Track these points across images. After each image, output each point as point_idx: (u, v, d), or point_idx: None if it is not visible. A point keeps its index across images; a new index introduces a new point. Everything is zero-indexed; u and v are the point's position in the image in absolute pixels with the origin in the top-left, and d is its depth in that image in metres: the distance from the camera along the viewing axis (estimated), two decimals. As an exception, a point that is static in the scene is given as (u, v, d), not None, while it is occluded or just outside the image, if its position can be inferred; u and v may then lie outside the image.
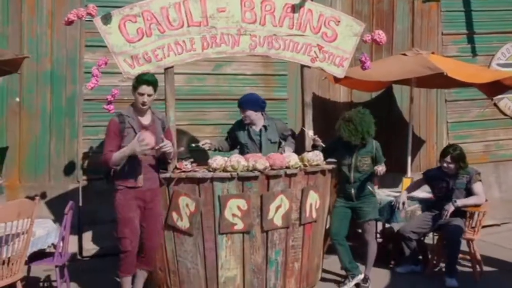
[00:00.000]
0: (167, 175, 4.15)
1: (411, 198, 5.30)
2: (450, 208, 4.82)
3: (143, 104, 3.94)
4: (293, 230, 4.39)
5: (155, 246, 4.11)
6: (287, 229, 4.35)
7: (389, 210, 5.21)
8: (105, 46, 4.30)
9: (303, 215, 4.39)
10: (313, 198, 4.44)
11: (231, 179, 4.16)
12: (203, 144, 4.90)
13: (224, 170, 4.20)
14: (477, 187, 4.91)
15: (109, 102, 4.35)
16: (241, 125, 4.97)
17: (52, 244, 4.30)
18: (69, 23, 4.19)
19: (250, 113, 4.86)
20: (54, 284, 4.40)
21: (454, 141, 6.89)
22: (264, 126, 4.91)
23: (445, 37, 7.22)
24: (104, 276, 4.96)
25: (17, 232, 3.66)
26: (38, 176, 5.87)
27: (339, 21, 4.84)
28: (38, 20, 5.84)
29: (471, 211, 4.97)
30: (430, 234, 5.38)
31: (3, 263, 3.62)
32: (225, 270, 4.25)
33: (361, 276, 4.74)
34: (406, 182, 5.65)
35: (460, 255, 5.09)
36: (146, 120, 4.03)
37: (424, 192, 5.53)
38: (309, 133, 4.79)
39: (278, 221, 4.27)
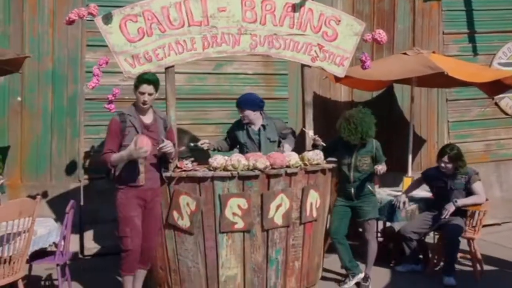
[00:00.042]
0: (168, 174, 4.15)
1: (412, 198, 5.31)
2: (451, 208, 4.82)
3: (144, 103, 3.95)
4: (294, 229, 4.40)
5: (153, 246, 4.11)
6: (287, 228, 4.36)
7: (390, 210, 5.22)
8: (106, 46, 4.31)
9: (304, 214, 4.39)
10: (313, 197, 4.45)
11: (231, 178, 4.17)
12: (201, 144, 4.91)
13: (225, 169, 4.21)
14: (477, 186, 4.91)
15: (110, 101, 4.36)
16: (240, 124, 4.98)
17: (54, 243, 4.31)
18: (70, 22, 4.20)
19: (249, 113, 4.87)
20: (56, 282, 4.40)
21: (455, 140, 6.90)
22: (263, 125, 4.92)
23: (446, 36, 7.22)
24: (105, 275, 4.97)
25: (18, 231, 3.67)
26: (40, 175, 5.89)
27: (339, 21, 4.84)
28: (39, 20, 5.86)
29: (472, 210, 4.97)
30: (431, 233, 5.39)
31: (5, 262, 3.63)
32: (225, 269, 4.26)
33: (362, 275, 4.75)
34: (407, 181, 5.65)
35: (461, 254, 5.11)
36: (148, 119, 4.05)
37: (424, 191, 5.53)
38: (309, 133, 4.80)
39: (278, 220, 4.28)
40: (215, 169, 4.22)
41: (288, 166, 4.32)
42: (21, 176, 5.84)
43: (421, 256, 5.27)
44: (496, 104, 7.37)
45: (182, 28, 4.43)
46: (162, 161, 4.09)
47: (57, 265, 4.20)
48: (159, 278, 4.40)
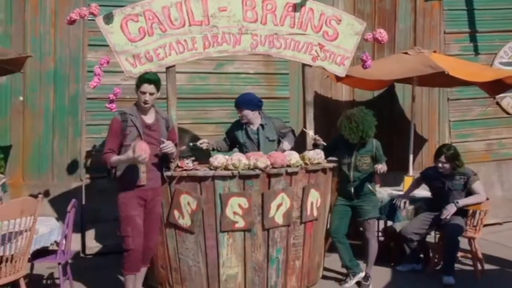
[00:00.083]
0: (169, 173, 4.17)
1: (413, 197, 5.31)
2: (452, 209, 4.80)
3: (145, 102, 3.96)
4: (294, 228, 4.41)
5: (152, 246, 4.12)
6: (288, 227, 4.36)
7: (391, 209, 5.22)
8: (108, 45, 4.33)
9: (304, 213, 4.40)
10: (314, 196, 4.46)
11: (232, 177, 4.18)
12: (201, 143, 4.92)
13: (226, 168, 4.22)
14: (477, 186, 4.90)
15: (111, 101, 4.37)
16: (239, 124, 4.99)
17: (55, 241, 4.33)
18: (72, 22, 4.22)
19: (247, 113, 4.87)
20: (57, 281, 4.41)
21: (456, 140, 6.91)
22: (261, 125, 4.91)
23: (447, 35, 7.21)
24: (107, 274, 4.98)
25: (20, 230, 3.69)
26: (42, 174, 5.91)
27: (340, 20, 4.85)
28: (41, 19, 5.88)
29: (473, 209, 4.97)
30: (432, 233, 5.39)
31: (7, 261, 3.64)
32: (226, 268, 4.27)
33: (362, 274, 4.76)
34: (408, 180, 5.64)
35: (462, 254, 5.11)
36: (149, 119, 4.06)
37: (425, 191, 5.53)
38: (310, 133, 4.81)
39: (279, 219, 4.29)
40: (216, 168, 4.23)
41: (288, 166, 4.32)
42: (23, 175, 5.86)
43: (421, 256, 5.28)
44: (497, 103, 7.36)
45: (183, 28, 4.44)
46: (163, 160, 4.10)
47: (59, 264, 4.22)
48: (160, 277, 4.41)
